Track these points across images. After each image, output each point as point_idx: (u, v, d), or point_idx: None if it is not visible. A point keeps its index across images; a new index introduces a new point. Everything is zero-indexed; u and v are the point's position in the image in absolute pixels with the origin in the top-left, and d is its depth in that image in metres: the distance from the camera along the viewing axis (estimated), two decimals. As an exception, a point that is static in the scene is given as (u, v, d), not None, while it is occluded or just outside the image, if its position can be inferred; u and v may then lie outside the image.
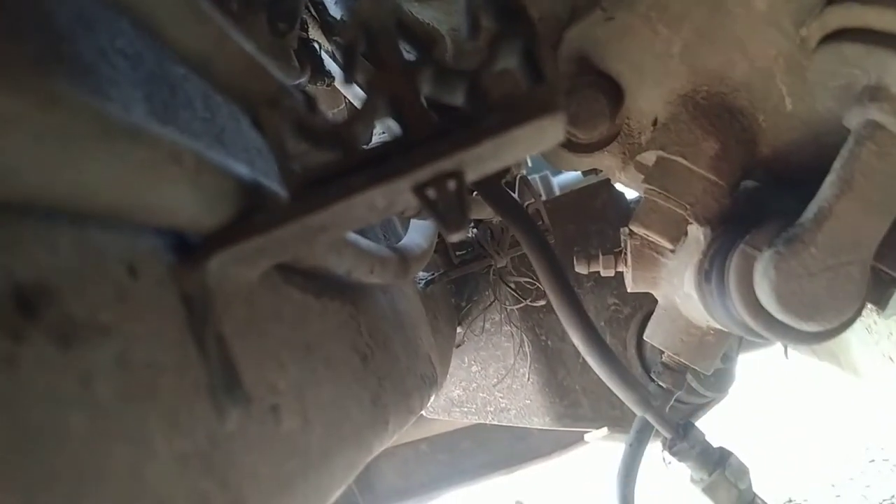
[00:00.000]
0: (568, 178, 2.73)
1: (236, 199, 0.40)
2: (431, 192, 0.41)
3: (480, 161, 0.41)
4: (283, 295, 0.54)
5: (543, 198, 2.05)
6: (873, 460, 3.29)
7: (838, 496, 3.13)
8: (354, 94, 1.35)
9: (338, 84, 1.26)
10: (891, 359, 1.52)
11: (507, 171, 1.44)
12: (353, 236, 0.64)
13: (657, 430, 1.15)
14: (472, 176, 0.42)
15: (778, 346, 1.28)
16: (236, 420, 0.39)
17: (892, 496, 2.92)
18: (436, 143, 0.39)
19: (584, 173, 1.30)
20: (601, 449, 1.84)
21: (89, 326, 0.30)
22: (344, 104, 1.60)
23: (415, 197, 0.41)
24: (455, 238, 0.42)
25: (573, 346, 1.05)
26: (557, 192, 2.47)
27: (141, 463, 0.30)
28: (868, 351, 1.57)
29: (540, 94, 0.39)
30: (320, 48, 1.20)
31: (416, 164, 0.39)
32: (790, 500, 3.24)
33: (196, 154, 0.35)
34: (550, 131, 0.40)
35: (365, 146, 0.42)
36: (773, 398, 4.30)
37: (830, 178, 0.79)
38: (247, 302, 0.45)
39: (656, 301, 1.15)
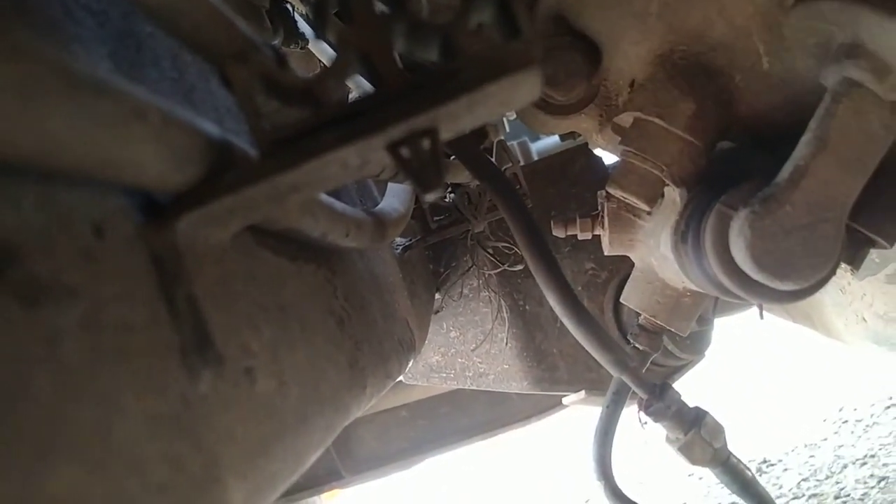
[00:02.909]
0: (546, 144, 2.72)
1: (205, 158, 0.39)
2: (405, 151, 0.40)
3: (455, 118, 0.40)
4: (256, 257, 0.53)
5: (521, 163, 2.04)
6: (846, 421, 3.35)
7: (812, 456, 3.19)
8: (329, 57, 1.33)
9: (312, 47, 1.24)
10: (864, 319, 1.54)
11: (485, 135, 1.43)
12: (327, 199, 0.64)
13: (634, 392, 1.16)
14: (446, 134, 0.41)
15: (754, 309, 1.29)
16: (209, 381, 0.38)
17: (865, 456, 2.97)
18: (409, 99, 0.38)
19: (562, 138, 1.29)
20: (579, 412, 1.86)
21: (55, 286, 0.29)
22: (319, 69, 1.57)
23: (388, 155, 0.40)
24: (430, 198, 0.41)
25: (551, 310, 1.04)
26: (536, 159, 2.46)
27: (110, 423, 0.29)
28: (842, 311, 1.58)
29: (515, 48, 0.38)
30: (293, 10, 1.18)
31: (390, 121, 0.38)
32: (765, 461, 3.30)
33: (162, 110, 0.34)
34: (526, 87, 0.39)
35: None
36: (748, 361, 4.36)
37: (806, 137, 0.79)
38: (219, 263, 0.45)
39: (633, 265, 1.16)
